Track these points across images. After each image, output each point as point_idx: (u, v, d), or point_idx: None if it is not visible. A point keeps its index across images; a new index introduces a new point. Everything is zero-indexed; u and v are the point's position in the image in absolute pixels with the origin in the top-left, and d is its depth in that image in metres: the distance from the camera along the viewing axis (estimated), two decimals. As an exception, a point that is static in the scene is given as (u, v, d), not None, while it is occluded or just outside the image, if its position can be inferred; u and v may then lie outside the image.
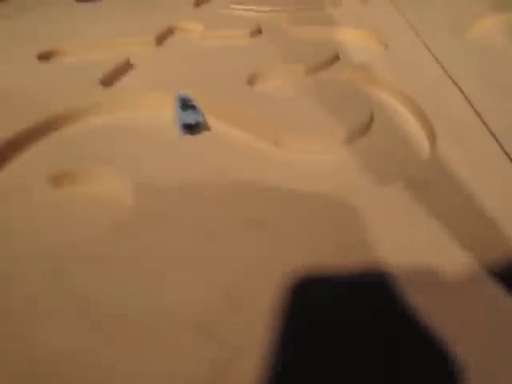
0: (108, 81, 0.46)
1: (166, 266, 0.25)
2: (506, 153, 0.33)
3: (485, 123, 0.37)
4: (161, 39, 0.61)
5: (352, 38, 0.63)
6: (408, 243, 0.26)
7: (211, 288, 0.24)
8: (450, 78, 0.46)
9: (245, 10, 0.77)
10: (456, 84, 0.44)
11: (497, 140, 0.35)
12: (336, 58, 0.54)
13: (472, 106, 0.40)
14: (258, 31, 0.64)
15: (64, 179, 0.31)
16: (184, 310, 0.22)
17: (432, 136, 0.37)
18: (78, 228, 0.28)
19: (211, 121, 0.39)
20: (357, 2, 0.83)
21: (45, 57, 0.55)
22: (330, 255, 0.25)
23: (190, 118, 0.36)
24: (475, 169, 0.32)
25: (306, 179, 0.32)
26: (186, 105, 0.37)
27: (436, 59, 0.52)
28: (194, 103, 0.38)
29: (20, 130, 0.36)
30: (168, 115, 0.40)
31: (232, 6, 0.78)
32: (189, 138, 0.37)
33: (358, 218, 0.27)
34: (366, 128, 0.38)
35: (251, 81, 0.46)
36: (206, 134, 0.38)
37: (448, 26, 0.63)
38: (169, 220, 0.28)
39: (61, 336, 0.21)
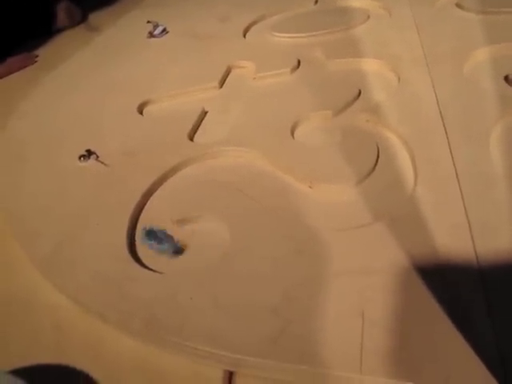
0: (192, 134, 0.67)
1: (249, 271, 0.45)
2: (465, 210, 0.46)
3: (457, 176, 0.51)
4: (222, 81, 0.80)
5: (373, 68, 0.79)
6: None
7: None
8: (443, 123, 0.59)
9: (284, 37, 0.94)
10: (445, 130, 0.58)
11: (462, 197, 0.48)
12: (358, 94, 0.71)
13: (452, 156, 0.54)
14: (297, 65, 0.82)
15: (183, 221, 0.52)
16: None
17: (415, 178, 0.54)
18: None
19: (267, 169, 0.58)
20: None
21: (140, 109, 0.75)
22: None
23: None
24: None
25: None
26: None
27: (436, 98, 0.65)
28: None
29: (148, 186, 0.57)
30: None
31: (274, 33, 0.96)
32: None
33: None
34: (370, 171, 0.56)
35: (293, 128, 0.64)
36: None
37: (452, 57, 0.77)
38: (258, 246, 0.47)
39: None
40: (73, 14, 1.24)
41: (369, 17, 0.98)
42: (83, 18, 1.27)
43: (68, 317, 0.45)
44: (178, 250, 0.48)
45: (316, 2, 1.11)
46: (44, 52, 1.11)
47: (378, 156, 0.56)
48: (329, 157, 0.57)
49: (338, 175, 0.54)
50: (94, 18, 1.29)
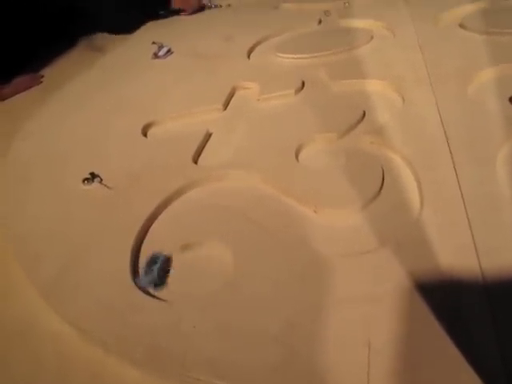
0: (197, 157, 0.67)
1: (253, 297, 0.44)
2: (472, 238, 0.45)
3: (463, 197, 0.50)
4: (227, 103, 0.80)
5: (377, 89, 0.79)
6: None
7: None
8: (448, 144, 0.59)
9: (288, 58, 0.95)
10: (450, 151, 0.57)
11: (468, 219, 0.48)
12: (363, 115, 0.71)
13: (457, 178, 0.53)
14: (301, 87, 0.82)
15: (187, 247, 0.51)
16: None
17: (421, 201, 0.54)
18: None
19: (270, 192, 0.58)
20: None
21: (144, 131, 0.75)
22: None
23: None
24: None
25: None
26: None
27: (440, 119, 0.65)
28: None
29: (152, 210, 0.56)
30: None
31: (278, 54, 0.96)
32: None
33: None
34: (376, 195, 0.55)
35: (297, 151, 0.64)
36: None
37: (456, 77, 0.77)
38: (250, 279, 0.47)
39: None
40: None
41: (372, 37, 0.98)
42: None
43: (70, 344, 0.44)
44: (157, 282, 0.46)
45: (319, 22, 1.12)
46: (49, 72, 1.11)
47: (383, 179, 0.56)
48: (333, 180, 0.57)
49: (343, 199, 0.54)
50: (99, 38, 1.30)
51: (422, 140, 0.62)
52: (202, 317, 0.42)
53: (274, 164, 0.60)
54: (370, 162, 0.60)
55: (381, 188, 0.55)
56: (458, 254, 0.45)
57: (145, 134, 0.74)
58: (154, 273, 0.46)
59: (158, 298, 0.45)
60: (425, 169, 0.57)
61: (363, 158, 0.61)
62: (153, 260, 0.48)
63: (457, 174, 0.55)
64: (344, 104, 0.74)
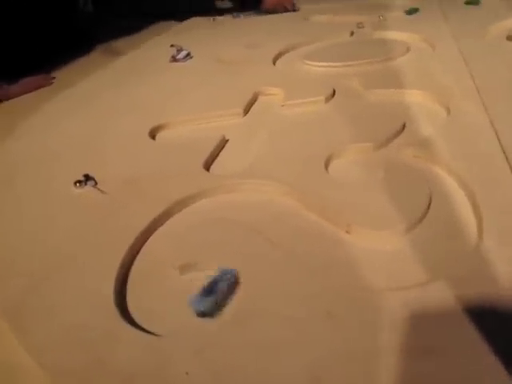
0: (209, 164, 0.57)
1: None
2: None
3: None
4: (248, 108, 0.71)
5: (418, 100, 0.70)
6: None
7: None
8: (507, 158, 0.50)
9: (318, 66, 0.86)
10: (510, 166, 0.48)
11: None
12: (403, 126, 0.61)
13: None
14: (331, 94, 0.73)
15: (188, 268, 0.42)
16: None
17: (480, 227, 0.43)
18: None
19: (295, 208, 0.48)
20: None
21: (153, 133, 0.67)
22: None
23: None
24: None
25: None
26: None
27: (495, 131, 0.56)
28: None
29: (150, 221, 0.47)
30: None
31: (306, 61, 0.88)
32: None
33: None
34: (423, 215, 0.45)
35: (327, 162, 0.54)
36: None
37: (509, 89, 0.67)
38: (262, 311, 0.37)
39: None
40: None
41: (409, 49, 0.89)
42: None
43: (29, 381, 0.35)
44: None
45: (351, 34, 1.04)
46: (63, 74, 1.06)
47: (430, 197, 0.46)
48: (370, 196, 0.48)
49: (382, 218, 0.45)
50: (117, 44, 1.25)
51: (475, 154, 0.53)
52: (198, 360, 0.32)
53: (300, 175, 0.51)
54: (413, 177, 0.51)
55: (428, 207, 0.45)
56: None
57: (153, 137, 0.65)
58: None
59: (145, 331, 0.35)
60: (482, 188, 0.47)
61: (405, 172, 0.52)
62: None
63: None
64: (380, 113, 0.65)
